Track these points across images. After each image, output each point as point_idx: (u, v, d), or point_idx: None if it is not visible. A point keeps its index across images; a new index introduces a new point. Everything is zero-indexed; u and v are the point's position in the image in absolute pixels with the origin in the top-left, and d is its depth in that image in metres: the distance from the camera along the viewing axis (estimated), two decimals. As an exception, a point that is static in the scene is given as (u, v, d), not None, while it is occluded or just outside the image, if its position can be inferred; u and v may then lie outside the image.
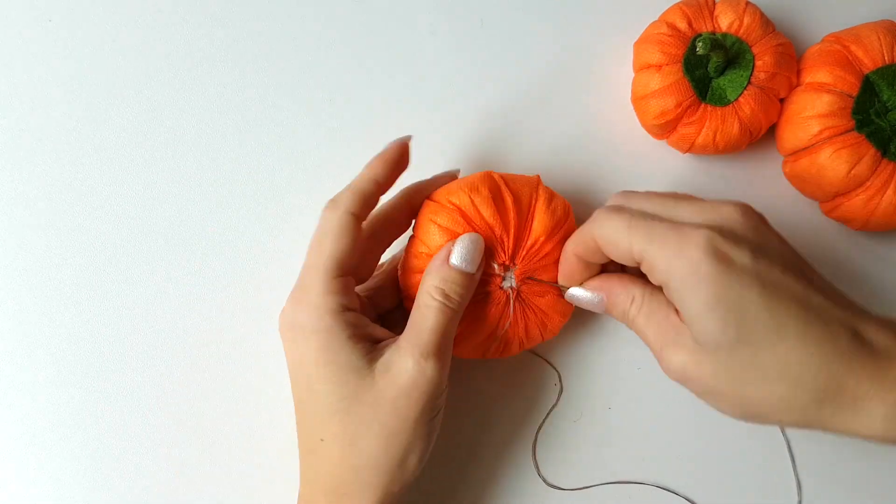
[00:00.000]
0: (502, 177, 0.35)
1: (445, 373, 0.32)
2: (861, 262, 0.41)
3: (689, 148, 0.39)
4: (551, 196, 0.36)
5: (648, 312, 0.32)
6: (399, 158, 0.36)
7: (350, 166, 0.41)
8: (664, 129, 0.39)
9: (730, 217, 0.29)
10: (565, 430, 0.39)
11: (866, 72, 0.37)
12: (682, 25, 0.38)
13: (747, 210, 0.30)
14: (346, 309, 0.32)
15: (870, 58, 0.37)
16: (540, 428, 0.39)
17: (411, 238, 0.36)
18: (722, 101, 0.38)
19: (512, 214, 0.34)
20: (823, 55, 0.38)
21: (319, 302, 0.32)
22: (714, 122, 0.38)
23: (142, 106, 0.42)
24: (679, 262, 0.28)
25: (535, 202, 0.35)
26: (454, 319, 0.33)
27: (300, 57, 0.43)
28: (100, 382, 0.39)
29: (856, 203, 0.37)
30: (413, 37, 0.43)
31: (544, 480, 0.38)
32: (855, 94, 0.37)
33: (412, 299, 0.34)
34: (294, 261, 0.40)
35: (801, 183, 0.39)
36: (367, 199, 0.34)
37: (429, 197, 0.36)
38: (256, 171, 0.41)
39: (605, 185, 0.41)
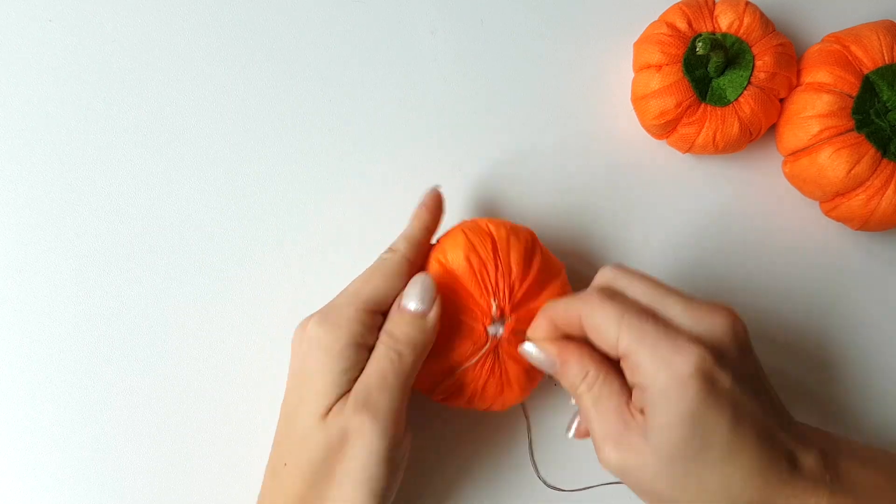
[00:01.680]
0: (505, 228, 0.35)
1: (385, 426, 0.31)
2: (861, 262, 0.41)
3: (689, 148, 0.39)
4: (548, 257, 0.36)
5: (598, 396, 0.31)
6: (439, 207, 0.37)
7: (350, 166, 0.41)
8: (664, 129, 0.39)
9: (721, 333, 0.30)
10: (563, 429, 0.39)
11: (866, 72, 0.37)
12: (682, 25, 0.38)
13: (736, 325, 0.31)
14: (361, 345, 0.32)
15: (870, 58, 0.37)
16: (529, 431, 0.39)
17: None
18: (722, 101, 0.38)
19: (517, 270, 0.34)
20: (823, 55, 0.38)
21: (343, 325, 0.32)
22: (714, 122, 0.38)
23: (142, 106, 0.42)
24: (666, 373, 0.29)
25: (534, 262, 0.35)
26: (404, 368, 0.32)
27: (300, 57, 0.43)
28: (100, 383, 0.39)
29: (855, 203, 0.37)
30: (413, 37, 0.43)
31: (544, 482, 0.38)
32: (855, 94, 0.37)
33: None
34: (292, 258, 0.40)
35: (801, 183, 0.39)
36: (421, 246, 0.35)
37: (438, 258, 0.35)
38: (256, 171, 0.41)
39: (605, 185, 0.41)
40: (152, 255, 0.40)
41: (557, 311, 0.33)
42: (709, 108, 0.38)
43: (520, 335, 0.34)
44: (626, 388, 0.31)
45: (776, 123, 0.40)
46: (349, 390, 0.32)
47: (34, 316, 0.40)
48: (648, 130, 0.40)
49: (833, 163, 0.37)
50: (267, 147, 0.42)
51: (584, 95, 0.42)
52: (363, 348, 0.32)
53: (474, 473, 0.39)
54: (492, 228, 0.35)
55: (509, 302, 0.34)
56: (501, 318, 0.34)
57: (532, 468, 0.38)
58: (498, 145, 0.42)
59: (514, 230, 0.35)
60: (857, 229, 0.39)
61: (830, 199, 0.38)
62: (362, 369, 0.32)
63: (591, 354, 0.32)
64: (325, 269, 0.40)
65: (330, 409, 0.31)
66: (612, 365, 0.32)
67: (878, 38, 0.37)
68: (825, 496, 0.29)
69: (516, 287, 0.34)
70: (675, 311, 0.31)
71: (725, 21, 0.38)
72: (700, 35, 0.38)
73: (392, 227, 0.41)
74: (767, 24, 0.39)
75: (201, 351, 0.40)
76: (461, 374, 0.34)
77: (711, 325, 0.30)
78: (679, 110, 0.38)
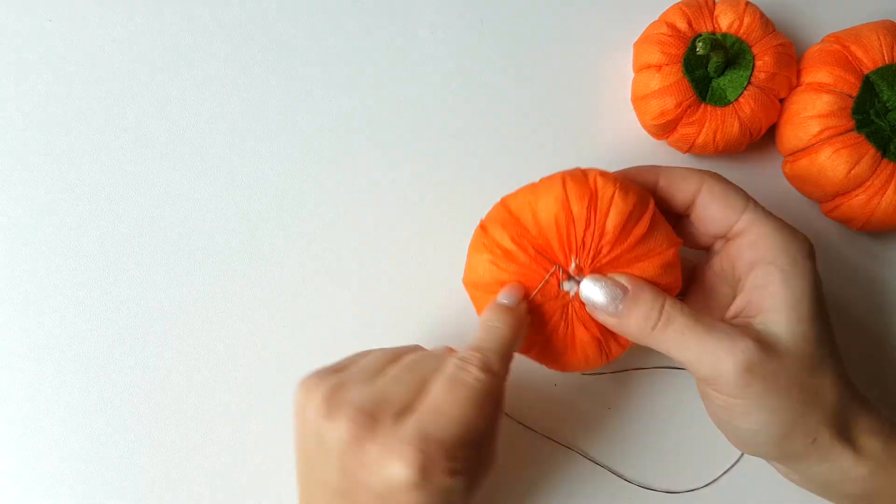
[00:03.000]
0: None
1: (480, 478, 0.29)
2: (861, 262, 0.41)
3: (689, 148, 0.39)
4: (661, 228, 0.33)
5: (688, 324, 0.30)
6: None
7: (349, 166, 0.41)
8: (664, 129, 0.39)
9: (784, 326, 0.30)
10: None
11: (866, 72, 0.37)
12: (682, 25, 0.38)
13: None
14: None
15: (870, 58, 0.37)
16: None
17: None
18: (722, 101, 0.38)
19: (613, 233, 0.31)
20: (823, 55, 0.38)
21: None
22: (714, 123, 0.38)
23: (143, 106, 0.42)
24: (795, 245, 0.30)
25: (637, 228, 0.32)
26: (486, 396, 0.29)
27: (300, 57, 0.43)
28: (100, 383, 0.39)
29: (856, 203, 0.37)
30: (413, 37, 0.43)
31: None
32: (855, 94, 0.37)
33: None
34: (292, 258, 0.40)
35: (801, 183, 0.39)
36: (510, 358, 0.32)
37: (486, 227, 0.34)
38: (256, 171, 0.41)
39: (605, 185, 0.41)
40: (152, 254, 0.40)
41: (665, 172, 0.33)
42: (709, 108, 0.38)
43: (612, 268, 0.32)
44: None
45: (776, 123, 0.39)
46: None
47: (34, 316, 0.40)
48: (648, 130, 0.40)
49: (833, 163, 0.37)
50: (266, 147, 0.42)
51: (584, 95, 0.42)
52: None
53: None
54: (598, 183, 0.31)
55: (591, 263, 0.31)
56: (579, 275, 0.32)
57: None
58: (497, 145, 0.42)
59: (625, 189, 0.31)
60: (857, 230, 0.39)
61: (830, 200, 0.38)
62: None
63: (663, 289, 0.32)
64: (326, 268, 0.40)
65: None
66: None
67: (878, 38, 0.37)
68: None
69: (604, 250, 0.31)
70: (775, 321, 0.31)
71: (725, 21, 0.38)
72: (700, 35, 0.38)
73: (391, 225, 0.41)
74: (767, 24, 0.39)
75: (201, 351, 0.40)
76: (547, 335, 0.33)
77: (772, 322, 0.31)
78: (679, 110, 0.38)
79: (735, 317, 0.32)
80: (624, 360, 0.39)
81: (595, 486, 0.39)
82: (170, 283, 0.40)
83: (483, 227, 0.33)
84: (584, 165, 0.42)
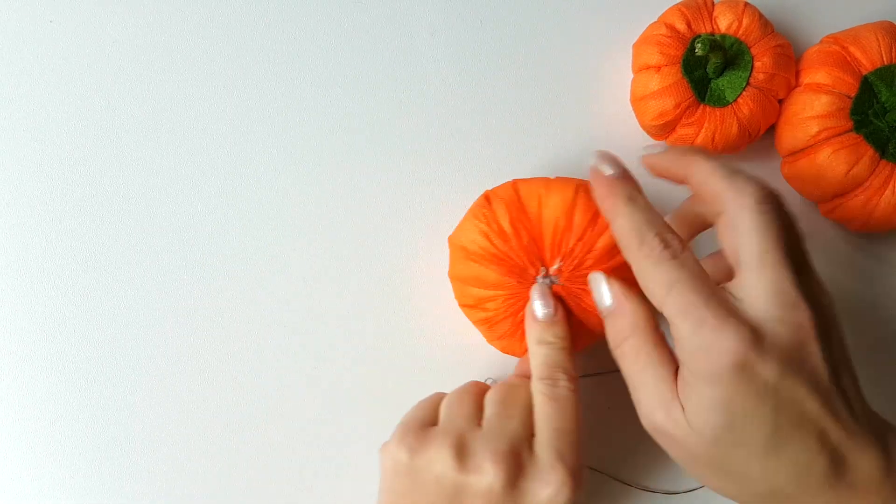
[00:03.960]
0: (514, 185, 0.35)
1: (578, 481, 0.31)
2: (861, 263, 0.41)
3: (688, 148, 0.39)
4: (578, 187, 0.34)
5: (646, 363, 0.29)
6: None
7: (349, 166, 0.42)
8: (663, 129, 0.39)
9: (787, 324, 0.27)
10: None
11: (865, 73, 0.37)
12: (680, 26, 0.38)
13: (806, 315, 0.27)
14: None
15: (868, 59, 0.37)
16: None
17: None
18: (721, 101, 0.38)
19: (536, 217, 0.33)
20: (822, 56, 0.38)
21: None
22: (713, 123, 0.38)
23: (143, 106, 0.42)
24: (705, 358, 0.27)
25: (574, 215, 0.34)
26: (568, 402, 0.32)
27: (300, 58, 0.43)
28: (100, 384, 0.39)
29: (855, 204, 0.37)
30: (413, 37, 0.43)
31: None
32: (853, 94, 0.37)
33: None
34: (292, 258, 0.40)
35: (800, 184, 0.39)
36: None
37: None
38: (256, 171, 0.41)
39: (605, 185, 0.42)
40: (153, 254, 0.40)
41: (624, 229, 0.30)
42: (708, 108, 0.38)
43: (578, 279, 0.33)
44: (674, 358, 0.29)
45: (775, 124, 0.40)
46: None
47: (34, 317, 0.40)
48: (647, 131, 0.40)
49: (832, 163, 0.37)
50: (266, 147, 0.42)
51: (583, 96, 0.42)
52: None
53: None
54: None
55: (573, 270, 0.33)
56: (557, 276, 0.34)
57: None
58: (497, 146, 0.42)
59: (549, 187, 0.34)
60: (856, 230, 0.39)
61: (829, 200, 0.38)
62: None
63: (647, 315, 0.30)
64: (325, 268, 0.41)
65: None
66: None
67: (877, 38, 0.37)
68: (879, 501, 0.27)
69: (587, 263, 0.33)
70: (745, 285, 0.28)
71: (724, 22, 0.38)
72: (699, 36, 0.38)
73: (390, 225, 0.41)
74: (766, 25, 0.39)
75: (202, 351, 0.40)
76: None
77: (779, 312, 0.27)
78: (678, 111, 0.38)
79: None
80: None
81: (594, 488, 0.39)
82: (171, 283, 0.40)
83: (487, 199, 0.35)
84: (584, 165, 0.42)
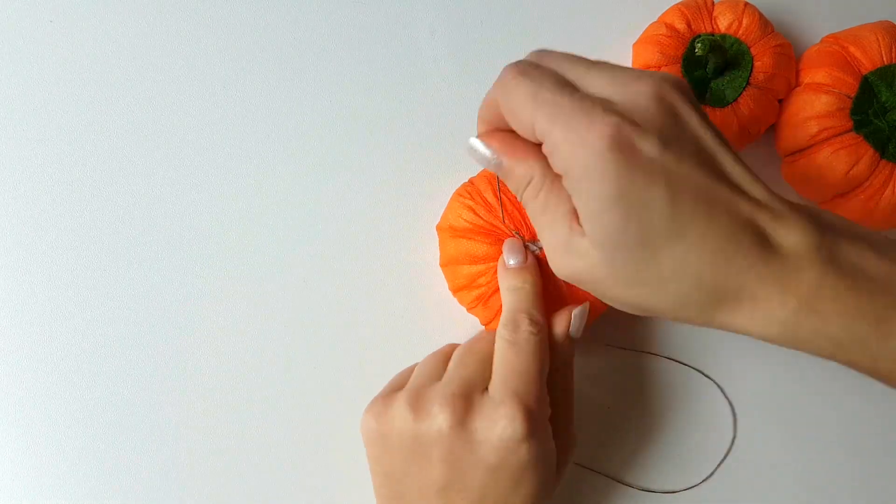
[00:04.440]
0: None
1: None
2: (860, 263, 0.41)
3: (688, 148, 0.39)
4: None
5: (545, 203, 0.28)
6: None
7: (349, 165, 0.42)
8: (663, 129, 0.39)
9: (646, 98, 0.26)
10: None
11: (865, 72, 0.37)
12: (680, 26, 0.38)
13: (663, 88, 0.26)
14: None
15: (868, 58, 0.37)
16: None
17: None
18: (721, 101, 0.38)
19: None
20: (822, 56, 0.38)
21: (548, 437, 0.32)
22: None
23: (143, 106, 0.42)
24: (582, 151, 0.25)
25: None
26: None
27: (300, 58, 0.43)
28: (101, 384, 0.39)
29: (854, 204, 0.37)
30: (413, 37, 0.43)
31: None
32: (853, 94, 0.37)
33: None
34: (292, 258, 0.40)
35: (800, 183, 0.39)
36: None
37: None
38: (255, 171, 0.41)
39: (605, 185, 0.42)
40: (153, 254, 0.40)
41: (483, 107, 0.30)
42: (708, 108, 0.38)
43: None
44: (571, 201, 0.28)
45: (775, 124, 0.40)
46: None
47: (34, 317, 0.40)
48: (647, 131, 0.40)
49: (832, 163, 0.37)
50: (266, 147, 0.42)
51: (583, 96, 0.42)
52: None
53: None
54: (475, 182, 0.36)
55: (529, 232, 0.35)
56: (531, 240, 0.35)
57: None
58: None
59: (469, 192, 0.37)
60: (855, 230, 0.39)
61: (829, 200, 0.38)
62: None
63: (536, 153, 0.28)
64: (325, 268, 0.41)
65: None
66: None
67: (877, 38, 0.37)
68: (812, 276, 0.25)
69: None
70: (598, 83, 0.27)
71: (724, 22, 0.38)
72: (699, 36, 0.38)
73: (389, 224, 0.41)
74: (766, 25, 0.39)
75: (202, 351, 0.40)
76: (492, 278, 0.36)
77: (635, 92, 0.26)
78: (678, 111, 0.38)
79: None
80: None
81: (595, 489, 0.39)
82: (171, 283, 0.40)
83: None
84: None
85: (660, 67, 0.38)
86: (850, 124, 0.37)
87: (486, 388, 0.32)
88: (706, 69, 0.38)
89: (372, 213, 0.41)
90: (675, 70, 0.38)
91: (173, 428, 0.39)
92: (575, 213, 0.27)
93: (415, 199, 0.41)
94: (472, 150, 0.31)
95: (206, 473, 0.39)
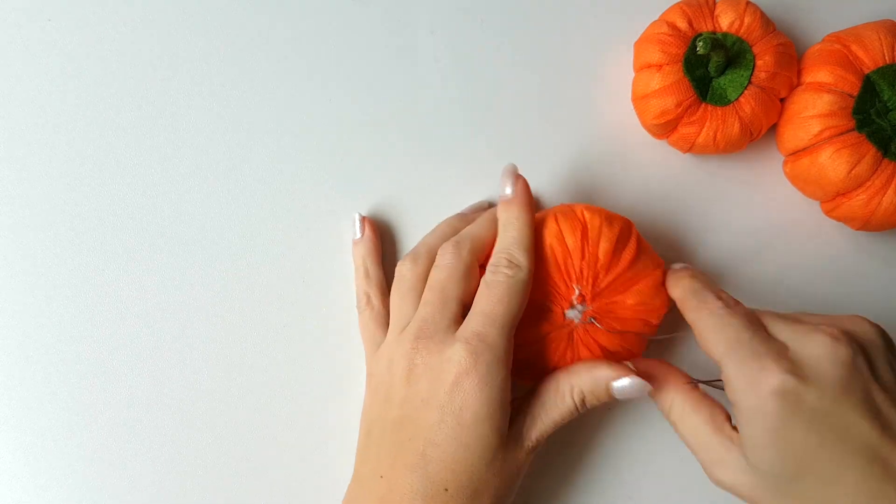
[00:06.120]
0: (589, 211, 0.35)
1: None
2: (861, 262, 0.41)
3: (690, 148, 0.39)
4: (646, 251, 0.35)
5: (693, 426, 0.32)
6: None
7: (348, 165, 0.41)
8: (664, 128, 0.39)
9: (820, 349, 0.29)
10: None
11: (867, 71, 0.37)
12: (682, 25, 0.38)
13: (840, 341, 0.29)
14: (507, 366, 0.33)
15: (870, 57, 0.37)
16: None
17: None
18: (722, 100, 0.38)
19: (605, 259, 0.34)
20: (824, 55, 0.38)
21: (505, 360, 0.32)
22: (714, 122, 0.38)
23: (143, 105, 0.42)
24: (751, 391, 0.29)
25: (625, 253, 0.34)
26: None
27: (300, 58, 0.42)
28: (100, 385, 0.39)
29: (856, 203, 0.37)
30: (413, 37, 0.43)
31: None
32: (855, 93, 0.37)
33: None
34: (291, 258, 0.40)
35: (802, 183, 0.39)
36: (487, 247, 0.35)
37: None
38: (255, 171, 0.41)
39: (606, 184, 0.41)
40: (153, 254, 0.40)
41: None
42: (709, 107, 0.38)
43: (598, 326, 0.34)
44: (720, 408, 0.32)
45: (777, 123, 0.39)
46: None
47: (33, 317, 0.40)
48: (649, 130, 0.40)
49: (834, 163, 0.36)
50: (266, 147, 0.42)
51: (583, 95, 0.42)
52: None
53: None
54: (586, 216, 0.35)
55: (591, 289, 0.34)
56: (582, 303, 0.34)
57: None
58: (497, 145, 0.42)
59: (609, 219, 0.35)
60: (857, 229, 0.39)
61: (831, 199, 0.38)
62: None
63: (676, 380, 0.33)
64: (324, 268, 0.40)
65: (505, 443, 0.32)
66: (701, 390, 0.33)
67: (879, 37, 0.37)
68: None
69: (601, 276, 0.34)
70: (783, 327, 0.31)
71: (726, 20, 0.38)
72: (701, 34, 0.38)
73: (388, 223, 0.41)
74: (768, 24, 0.39)
75: (201, 352, 0.40)
76: (533, 352, 0.35)
77: (811, 341, 0.29)
78: (679, 110, 0.38)
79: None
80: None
81: (595, 490, 0.39)
82: (171, 283, 0.40)
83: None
84: (584, 165, 0.42)
85: (661, 66, 0.38)
86: (852, 123, 0.36)
87: (458, 326, 0.33)
88: (708, 68, 0.38)
89: (369, 212, 0.41)
90: (676, 69, 0.37)
91: (173, 428, 0.39)
92: (724, 431, 0.31)
93: (414, 199, 0.41)
94: (618, 391, 0.33)
95: (206, 473, 0.39)
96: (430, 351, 0.32)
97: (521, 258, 0.33)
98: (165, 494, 0.38)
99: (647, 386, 0.32)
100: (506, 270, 0.33)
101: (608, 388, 0.33)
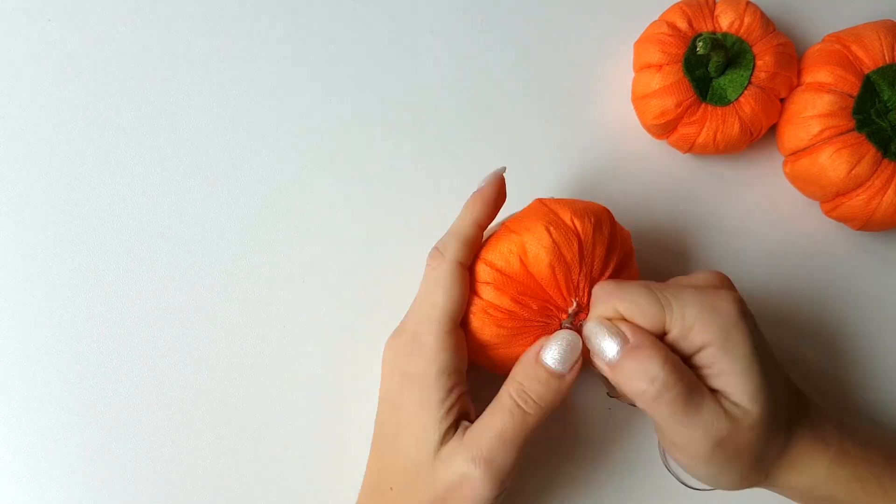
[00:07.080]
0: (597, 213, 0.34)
1: (499, 480, 0.30)
2: (861, 262, 0.41)
3: (690, 148, 0.39)
4: (622, 235, 0.35)
5: (673, 399, 0.29)
6: (497, 195, 0.34)
7: (348, 165, 0.41)
8: (664, 128, 0.39)
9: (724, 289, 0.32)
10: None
11: (867, 71, 0.37)
12: (682, 25, 0.38)
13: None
14: (452, 371, 0.32)
15: (870, 57, 0.37)
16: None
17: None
18: (722, 100, 0.38)
19: (599, 265, 0.33)
20: (824, 55, 0.38)
21: (433, 357, 0.32)
22: (714, 122, 0.38)
23: (142, 105, 0.42)
24: (719, 319, 0.30)
25: (615, 254, 0.34)
26: (526, 427, 0.31)
27: (300, 58, 0.42)
28: (101, 385, 0.39)
29: (856, 203, 0.37)
30: (413, 37, 0.43)
31: (679, 480, 0.38)
32: (855, 93, 0.37)
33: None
34: (291, 258, 0.40)
35: (802, 183, 0.39)
36: (472, 244, 0.33)
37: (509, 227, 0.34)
38: (255, 171, 0.41)
39: (606, 184, 0.41)
40: (153, 254, 0.40)
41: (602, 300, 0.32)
42: (709, 107, 0.38)
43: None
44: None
45: (777, 123, 0.39)
46: (454, 424, 0.32)
47: (33, 317, 0.40)
48: (649, 130, 0.40)
49: (834, 163, 0.37)
50: (266, 147, 0.42)
51: (583, 95, 0.42)
52: (454, 373, 0.32)
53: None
54: (577, 225, 0.32)
55: (587, 298, 0.33)
56: (578, 312, 0.33)
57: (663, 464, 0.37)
58: (497, 145, 0.42)
59: (598, 223, 0.33)
60: (857, 229, 0.39)
61: (831, 199, 0.38)
62: (459, 394, 0.32)
63: (665, 350, 0.30)
64: (324, 268, 0.40)
65: (439, 446, 0.31)
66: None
67: (879, 37, 0.37)
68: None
69: (595, 281, 0.33)
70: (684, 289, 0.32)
71: (726, 21, 0.38)
72: (700, 35, 0.38)
73: (391, 224, 0.41)
74: (768, 24, 0.39)
75: (201, 352, 0.40)
76: None
77: (707, 279, 0.33)
78: (679, 110, 0.38)
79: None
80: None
81: (596, 492, 0.39)
82: (172, 283, 0.40)
83: (478, 295, 0.33)
84: (584, 165, 0.42)
85: (661, 66, 0.38)
86: (851, 123, 0.37)
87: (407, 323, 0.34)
88: (708, 68, 0.38)
89: (369, 212, 0.41)
90: (676, 69, 0.37)
91: (173, 428, 0.39)
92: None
93: (413, 198, 0.41)
94: (594, 333, 0.31)
95: (206, 473, 0.39)
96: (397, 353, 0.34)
97: (450, 245, 0.33)
98: (165, 494, 0.38)
99: (577, 339, 0.31)
100: (431, 262, 0.33)
101: (540, 364, 0.31)
